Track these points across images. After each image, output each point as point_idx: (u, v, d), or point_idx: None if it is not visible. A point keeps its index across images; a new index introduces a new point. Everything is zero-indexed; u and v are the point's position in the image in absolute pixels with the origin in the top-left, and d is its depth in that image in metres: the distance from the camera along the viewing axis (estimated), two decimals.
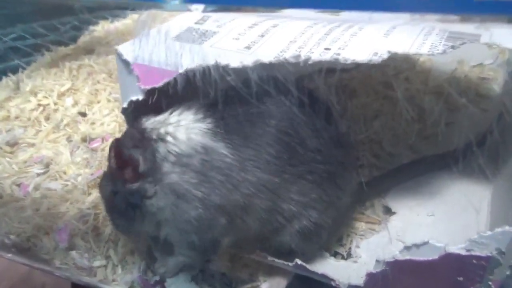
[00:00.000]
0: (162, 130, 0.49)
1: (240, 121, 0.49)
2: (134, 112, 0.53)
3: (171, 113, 0.51)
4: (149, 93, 0.49)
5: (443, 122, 0.69)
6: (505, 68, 0.77)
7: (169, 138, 0.49)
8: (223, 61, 0.45)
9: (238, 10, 0.61)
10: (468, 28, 0.50)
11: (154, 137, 0.49)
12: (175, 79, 0.48)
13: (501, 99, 0.70)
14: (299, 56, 0.45)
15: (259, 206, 0.50)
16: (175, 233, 0.52)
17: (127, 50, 0.51)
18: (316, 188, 0.52)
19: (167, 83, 0.48)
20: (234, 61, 0.45)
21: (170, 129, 0.49)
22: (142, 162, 0.48)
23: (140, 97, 0.49)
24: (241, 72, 0.45)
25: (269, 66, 0.45)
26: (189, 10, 0.59)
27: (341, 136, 0.56)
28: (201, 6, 0.59)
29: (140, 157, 0.48)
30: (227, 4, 0.57)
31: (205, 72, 0.46)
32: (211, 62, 0.46)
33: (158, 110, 0.52)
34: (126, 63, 0.50)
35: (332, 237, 0.61)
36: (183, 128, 0.49)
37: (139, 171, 0.48)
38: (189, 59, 0.48)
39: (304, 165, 0.51)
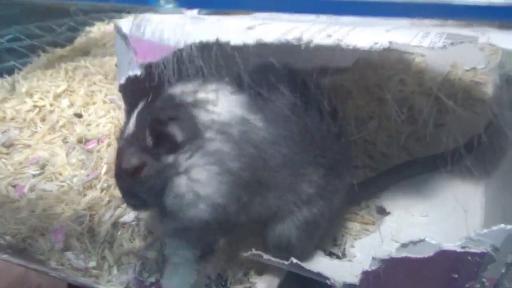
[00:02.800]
0: (201, 95, 0.48)
1: (267, 99, 0.49)
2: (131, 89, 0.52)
3: (203, 82, 0.49)
4: (147, 68, 0.48)
5: (435, 124, 0.70)
6: (497, 72, 0.78)
7: (210, 106, 0.47)
8: (224, 38, 0.44)
9: (233, 14, 0.62)
10: (465, 32, 0.50)
11: (190, 102, 0.47)
12: (173, 55, 0.46)
13: (490, 104, 0.71)
14: (300, 39, 0.44)
15: (282, 182, 0.51)
16: (204, 210, 0.48)
17: (127, 25, 0.49)
18: (326, 174, 0.53)
19: (165, 58, 0.47)
20: (236, 39, 0.44)
21: (210, 96, 0.48)
22: (180, 133, 0.46)
23: (138, 73, 0.48)
24: (242, 51, 0.45)
25: (271, 47, 0.44)
26: (183, 13, 0.59)
27: (342, 129, 0.57)
28: (195, 11, 0.60)
29: (178, 129, 0.46)
30: (222, 8, 0.57)
31: (207, 49, 0.45)
32: (212, 37, 0.44)
33: (153, 87, 0.50)
34: (125, 38, 0.49)
35: (326, 236, 0.61)
36: (222, 98, 0.48)
37: (175, 143, 0.47)
38: (189, 34, 0.46)
39: (319, 148, 0.52)
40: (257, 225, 0.56)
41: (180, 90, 0.49)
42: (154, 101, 0.49)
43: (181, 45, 0.45)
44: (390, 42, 0.43)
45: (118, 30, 0.50)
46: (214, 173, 0.47)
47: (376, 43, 0.43)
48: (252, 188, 0.49)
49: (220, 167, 0.47)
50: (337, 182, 0.55)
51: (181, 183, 0.48)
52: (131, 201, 0.53)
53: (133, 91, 0.51)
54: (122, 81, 0.50)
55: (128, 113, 0.53)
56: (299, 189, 0.52)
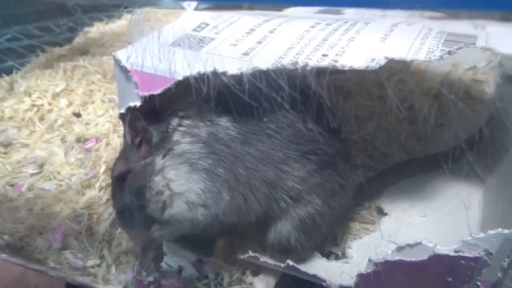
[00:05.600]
0: (177, 109, 0.52)
1: (242, 102, 0.50)
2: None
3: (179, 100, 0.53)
4: (147, 99, 0.50)
5: (435, 123, 0.70)
6: (497, 70, 0.78)
7: (181, 113, 0.52)
8: (220, 68, 0.46)
9: (232, 7, 0.61)
10: (465, 28, 0.50)
11: (168, 113, 0.52)
12: (173, 85, 0.48)
13: (493, 101, 0.71)
14: (296, 63, 0.45)
15: (262, 180, 0.51)
16: (182, 207, 0.51)
17: (124, 56, 0.51)
18: (320, 172, 0.53)
19: (166, 90, 0.48)
20: (232, 68, 0.46)
21: (182, 106, 0.52)
22: (155, 135, 0.51)
23: (138, 103, 0.50)
24: (240, 79, 0.46)
25: (267, 73, 0.45)
26: (182, 7, 0.59)
27: (340, 129, 0.56)
28: (194, 3, 0.59)
29: (154, 131, 0.51)
30: (220, 1, 0.57)
31: (204, 78, 0.46)
32: (209, 68, 0.46)
33: (155, 116, 0.52)
34: (124, 70, 0.50)
35: (327, 237, 0.61)
36: (194, 106, 0.52)
37: (151, 143, 0.51)
38: (186, 65, 0.48)
39: (307, 145, 0.52)
40: (255, 226, 0.56)
41: (162, 102, 0.52)
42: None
43: (179, 76, 0.47)
44: (386, 58, 0.43)
45: (117, 61, 0.51)
46: (183, 171, 0.51)
47: (373, 60, 0.43)
48: (231, 186, 0.51)
49: (189, 165, 0.50)
50: (339, 179, 0.55)
51: (158, 180, 0.51)
52: (125, 221, 0.55)
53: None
54: (123, 110, 0.52)
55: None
56: (286, 186, 0.52)
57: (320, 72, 0.46)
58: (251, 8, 0.62)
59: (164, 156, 0.51)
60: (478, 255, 0.42)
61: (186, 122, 0.51)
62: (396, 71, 0.81)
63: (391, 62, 0.43)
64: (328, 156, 0.53)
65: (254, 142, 0.51)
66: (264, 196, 0.52)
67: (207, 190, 0.50)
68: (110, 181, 0.56)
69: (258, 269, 0.59)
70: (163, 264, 0.59)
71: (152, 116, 0.51)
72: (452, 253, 0.43)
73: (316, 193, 0.53)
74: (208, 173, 0.50)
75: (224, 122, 0.51)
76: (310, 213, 0.54)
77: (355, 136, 0.74)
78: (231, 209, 0.52)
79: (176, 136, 0.51)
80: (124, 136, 0.53)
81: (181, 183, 0.51)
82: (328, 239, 0.61)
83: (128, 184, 0.52)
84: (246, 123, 0.51)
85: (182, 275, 0.58)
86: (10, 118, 0.86)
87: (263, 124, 0.51)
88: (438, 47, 0.45)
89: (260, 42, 0.51)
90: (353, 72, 0.44)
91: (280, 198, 0.53)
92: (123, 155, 0.54)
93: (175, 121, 0.51)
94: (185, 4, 0.59)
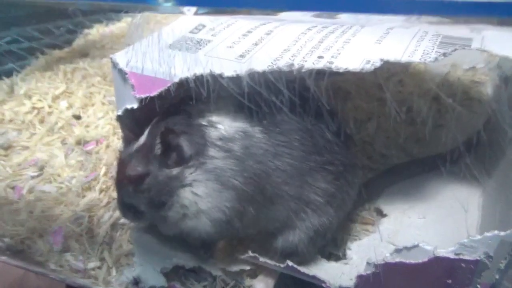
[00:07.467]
0: (213, 118, 0.50)
1: (268, 110, 0.49)
2: (129, 119, 0.54)
3: (211, 103, 0.51)
4: (144, 101, 0.50)
5: (434, 125, 0.70)
6: (496, 71, 0.78)
7: (219, 126, 0.50)
8: (217, 70, 0.46)
9: (231, 12, 0.61)
10: (461, 31, 0.50)
11: (204, 123, 0.50)
12: (170, 87, 0.48)
13: (490, 103, 0.71)
14: (292, 64, 0.45)
15: (287, 193, 0.51)
16: (205, 223, 0.51)
17: (122, 58, 0.51)
18: (335, 182, 0.53)
19: (163, 92, 0.48)
20: (228, 70, 0.46)
21: (217, 115, 0.50)
22: (188, 148, 0.49)
23: (135, 106, 0.50)
24: (236, 81, 0.46)
25: (263, 75, 0.45)
26: (181, 12, 0.59)
27: (347, 135, 0.56)
28: (193, 9, 0.60)
29: (187, 143, 0.48)
30: (220, 6, 0.57)
31: (201, 80, 0.46)
32: (205, 71, 0.46)
33: (152, 117, 0.52)
34: (121, 72, 0.50)
35: (329, 241, 0.61)
36: (227, 115, 0.50)
37: (183, 156, 0.49)
38: (183, 68, 0.48)
39: (326, 155, 0.52)
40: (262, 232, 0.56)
41: (193, 109, 0.51)
42: (168, 117, 0.51)
43: (175, 79, 0.47)
44: (382, 60, 0.43)
45: (114, 64, 0.51)
46: (213, 189, 0.49)
47: (368, 62, 0.43)
48: (257, 202, 0.50)
49: (221, 183, 0.49)
50: (348, 189, 0.55)
51: (185, 195, 0.49)
52: (129, 214, 0.54)
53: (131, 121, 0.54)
54: (120, 112, 0.52)
55: (126, 140, 0.55)
56: (307, 199, 0.52)
57: (319, 74, 0.46)
58: (249, 13, 0.63)
59: (195, 170, 0.49)
60: (478, 258, 0.42)
61: (223, 133, 0.49)
62: (395, 73, 0.81)
63: (386, 64, 0.43)
64: (343, 166, 0.53)
65: (283, 155, 0.50)
66: (284, 209, 0.52)
67: (232, 208, 0.49)
68: (116, 172, 0.54)
69: (254, 271, 0.59)
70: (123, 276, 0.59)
71: (182, 123, 0.50)
72: (452, 256, 0.43)
73: (330, 203, 0.53)
74: (237, 190, 0.49)
75: (256, 133, 0.49)
76: (323, 223, 0.54)
77: (354, 137, 0.74)
78: (252, 223, 0.52)
79: (211, 151, 0.49)
80: (148, 140, 0.51)
81: (209, 201, 0.49)
82: (329, 241, 0.61)
83: (147, 189, 0.50)
84: (276, 134, 0.50)
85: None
86: (10, 120, 0.86)
87: (291, 135, 0.50)
88: (433, 49, 0.45)
89: (256, 44, 0.52)
90: (352, 74, 0.44)
91: (300, 209, 0.52)
92: (143, 154, 0.50)
93: (213, 134, 0.49)
94: (185, 9, 0.59)
